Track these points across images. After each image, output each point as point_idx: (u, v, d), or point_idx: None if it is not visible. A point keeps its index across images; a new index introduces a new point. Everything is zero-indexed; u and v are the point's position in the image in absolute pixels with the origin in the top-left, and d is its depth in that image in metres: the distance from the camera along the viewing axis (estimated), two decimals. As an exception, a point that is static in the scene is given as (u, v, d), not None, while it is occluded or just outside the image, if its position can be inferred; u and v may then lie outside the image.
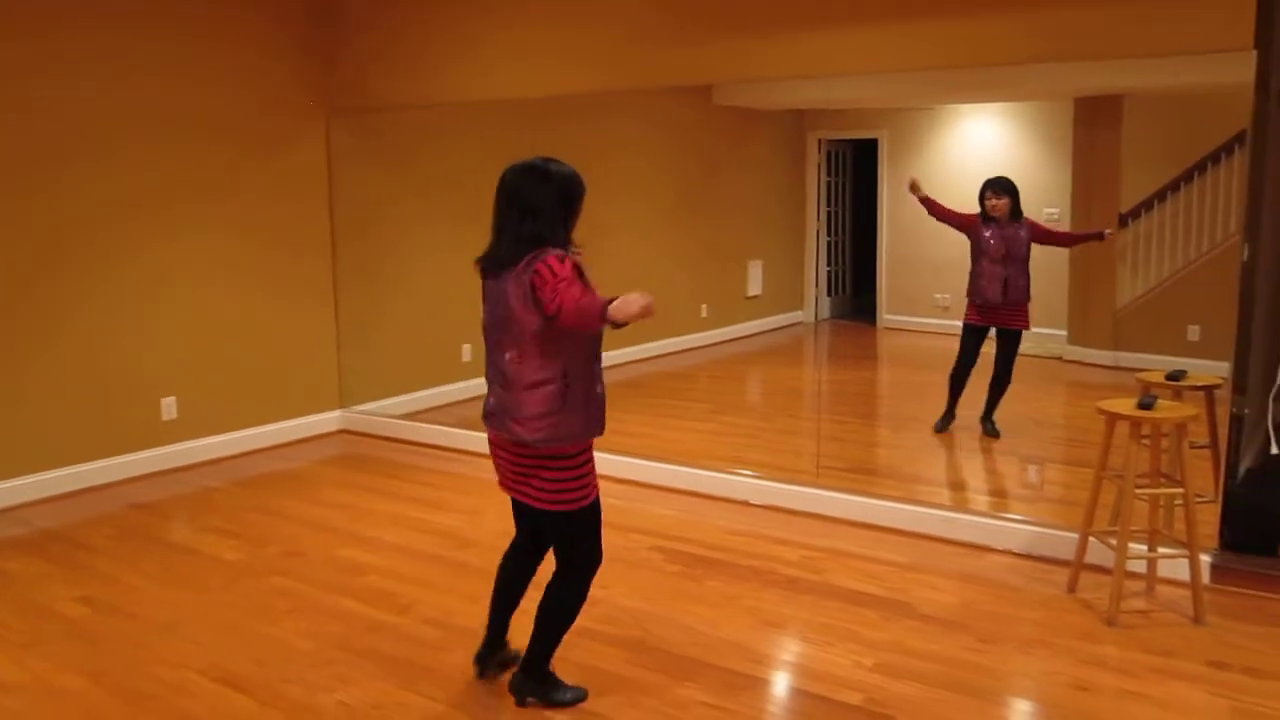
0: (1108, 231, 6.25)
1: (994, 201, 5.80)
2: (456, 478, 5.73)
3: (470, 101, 5.97)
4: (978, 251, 5.87)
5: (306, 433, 6.63)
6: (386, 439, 6.61)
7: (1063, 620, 3.76)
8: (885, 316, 7.68)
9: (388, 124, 6.61)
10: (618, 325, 2.65)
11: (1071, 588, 4.02)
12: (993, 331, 5.94)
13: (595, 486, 3.03)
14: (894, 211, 7.46)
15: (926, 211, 5.98)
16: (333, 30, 6.50)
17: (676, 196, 7.98)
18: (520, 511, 3.18)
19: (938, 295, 7.27)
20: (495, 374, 2.97)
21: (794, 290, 8.02)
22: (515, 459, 2.96)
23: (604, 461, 5.62)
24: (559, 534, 3.04)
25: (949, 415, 6.08)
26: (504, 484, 3.08)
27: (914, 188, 6.01)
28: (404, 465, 6.02)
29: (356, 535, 4.79)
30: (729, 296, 7.96)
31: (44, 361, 5.38)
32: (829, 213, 7.89)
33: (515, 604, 3.29)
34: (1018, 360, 5.91)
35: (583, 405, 2.91)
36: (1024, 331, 5.90)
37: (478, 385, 6.86)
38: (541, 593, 3.11)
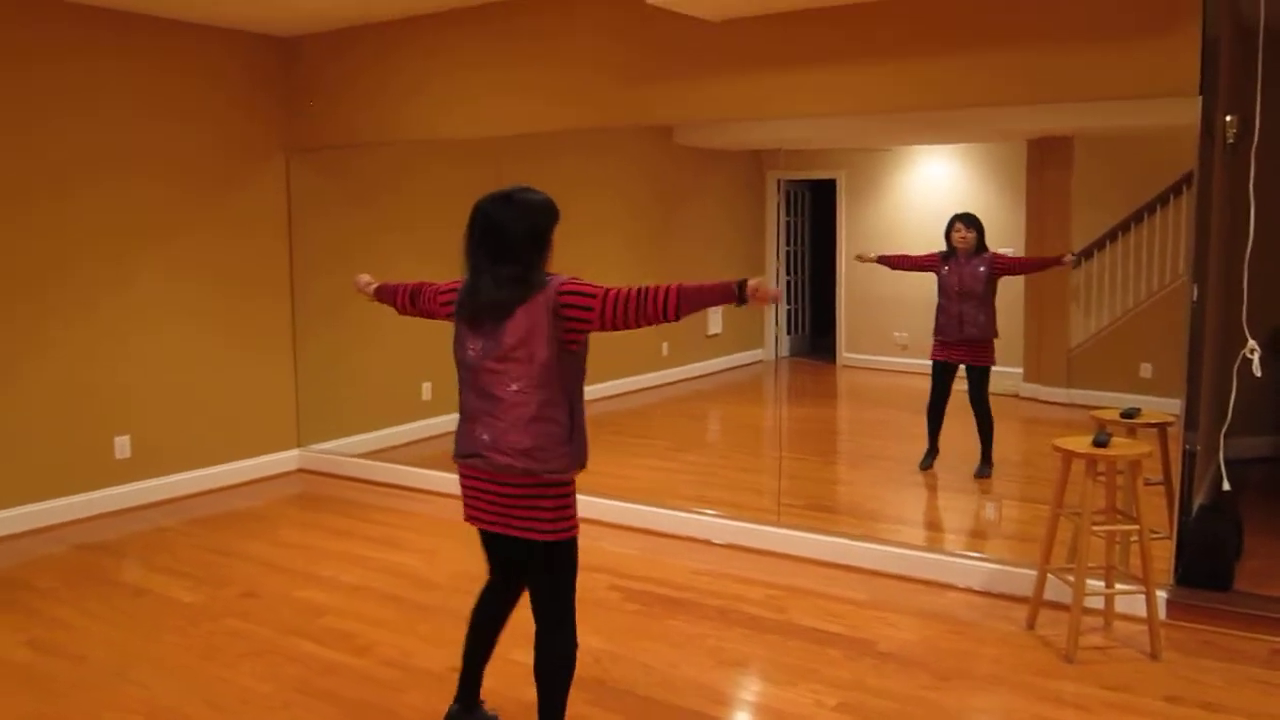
0: (1068, 257, 6.34)
1: (963, 233, 5.88)
2: (415, 517, 5.68)
3: (430, 139, 5.99)
4: (939, 288, 5.95)
5: (264, 472, 6.54)
6: (345, 478, 6.55)
7: (1021, 657, 3.78)
8: (844, 355, 7.73)
9: (349, 161, 6.61)
10: (743, 303, 2.74)
11: (1030, 624, 4.05)
12: (964, 369, 5.99)
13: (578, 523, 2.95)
14: (852, 251, 7.53)
15: (890, 269, 6.03)
16: (293, 68, 6.50)
17: (639, 234, 8.02)
18: (498, 549, 3.04)
19: (896, 333, 7.33)
20: (489, 408, 2.83)
21: (754, 328, 8.05)
22: (510, 491, 2.84)
23: (565, 500, 5.62)
24: (549, 570, 2.88)
25: (931, 451, 6.12)
26: (484, 521, 2.91)
27: (862, 258, 6.11)
28: (362, 504, 5.96)
29: (314, 576, 4.72)
30: (690, 335, 7.99)
31: (-6, 400, 5.29)
32: (788, 252, 7.95)
33: (491, 652, 3.15)
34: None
35: (581, 433, 2.92)
36: (990, 368, 5.93)
37: (438, 424, 6.86)
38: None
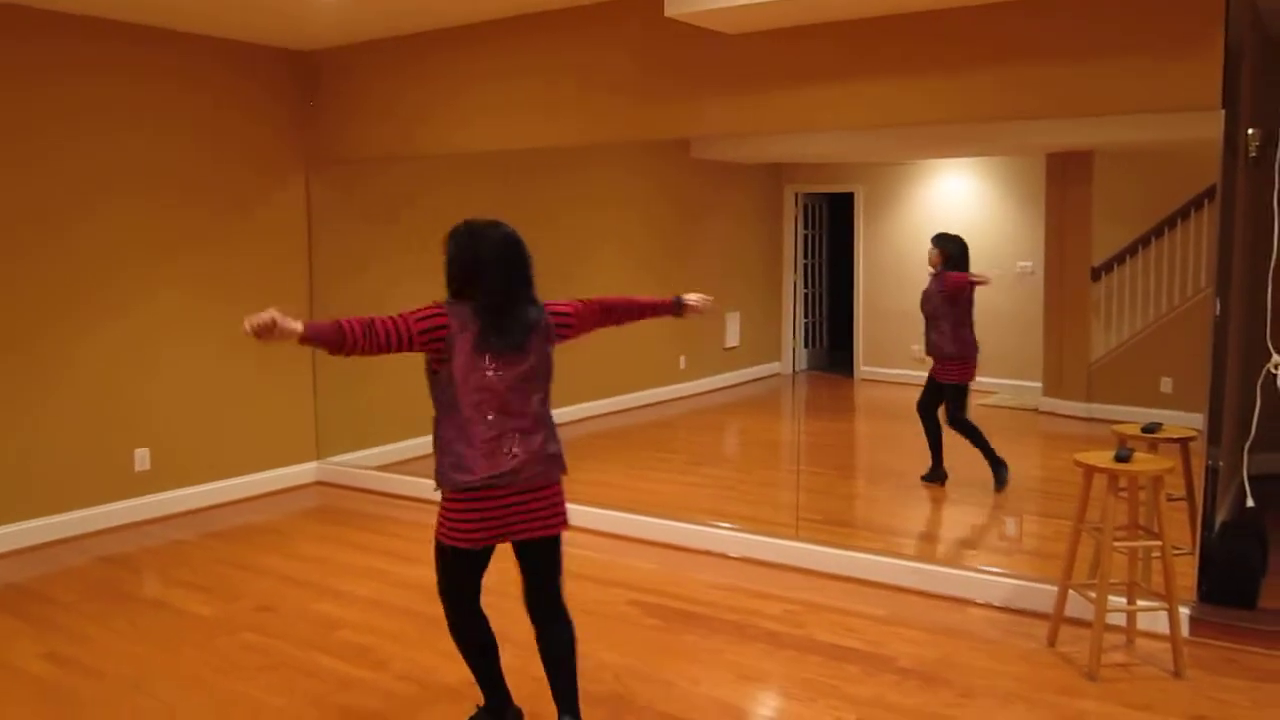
0: (976, 277, 6.35)
1: (930, 251, 6.02)
2: (428, 529, 5.66)
3: (449, 154, 6.01)
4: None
5: (282, 484, 6.56)
6: (363, 491, 6.55)
7: (1043, 674, 3.74)
8: (862, 368, 7.70)
9: (368, 176, 6.63)
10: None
11: (1051, 641, 4.01)
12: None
13: None
14: (870, 264, 7.51)
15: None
16: (312, 83, 6.54)
17: (656, 248, 8.03)
18: (484, 560, 3.11)
19: (914, 347, 7.30)
20: (517, 427, 2.98)
21: (771, 342, 8.03)
22: (538, 495, 3.03)
23: (582, 514, 5.61)
24: (556, 556, 3.13)
25: (934, 468, 6.11)
26: (507, 533, 3.00)
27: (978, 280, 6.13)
28: (380, 517, 5.96)
29: (331, 589, 4.72)
30: (707, 348, 7.98)
31: (12, 412, 5.32)
32: (806, 265, 7.94)
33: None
34: (999, 411, 5.95)
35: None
36: (960, 384, 5.97)
37: (455, 437, 6.83)
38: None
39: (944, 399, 5.99)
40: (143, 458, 5.86)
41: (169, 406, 5.96)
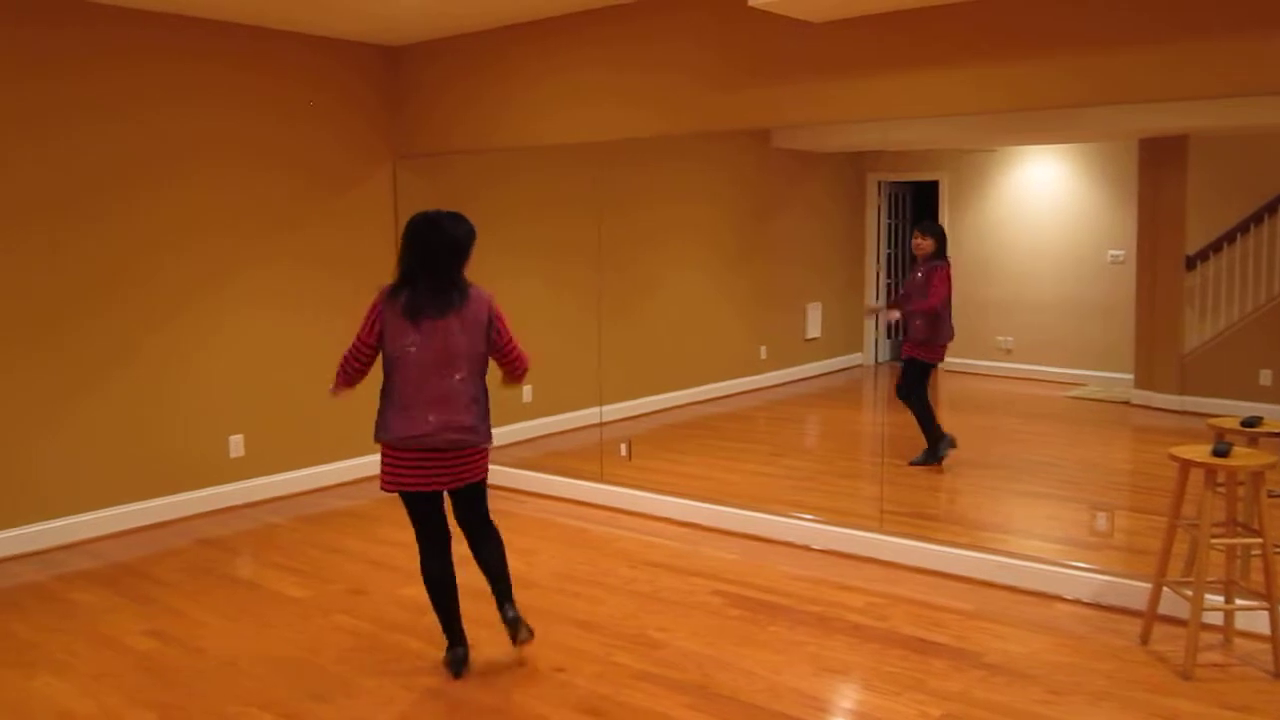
0: (884, 310, 6.99)
1: (917, 241, 6.21)
2: (513, 517, 5.75)
3: (526, 147, 6.06)
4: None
5: (368, 472, 6.69)
6: (446, 478, 6.66)
7: (1135, 673, 3.66)
8: (946, 359, 7.60)
9: (450, 164, 6.73)
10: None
11: (1144, 639, 3.92)
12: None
13: None
14: (954, 253, 7.40)
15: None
16: (398, 76, 6.65)
17: (735, 238, 8.01)
18: (432, 507, 3.63)
19: (1000, 338, 7.19)
20: (434, 397, 3.47)
21: (853, 333, 7.97)
22: (458, 459, 3.54)
23: (663, 504, 5.65)
24: (483, 494, 3.72)
25: (944, 441, 6.28)
26: (431, 485, 3.53)
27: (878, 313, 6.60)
28: (464, 504, 6.05)
29: (416, 574, 4.80)
30: (788, 339, 7.94)
31: (121, 402, 5.52)
32: (889, 255, 7.86)
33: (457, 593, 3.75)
34: (1088, 403, 6.06)
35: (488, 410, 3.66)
36: (921, 362, 6.27)
37: (536, 426, 6.95)
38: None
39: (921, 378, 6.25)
40: (237, 444, 6.04)
41: (260, 394, 6.13)
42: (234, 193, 5.94)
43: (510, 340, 3.64)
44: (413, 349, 3.47)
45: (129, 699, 3.55)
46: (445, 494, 3.67)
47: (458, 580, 3.73)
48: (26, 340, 5.19)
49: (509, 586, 3.71)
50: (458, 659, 3.70)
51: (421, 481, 3.53)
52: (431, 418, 3.46)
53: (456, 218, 3.59)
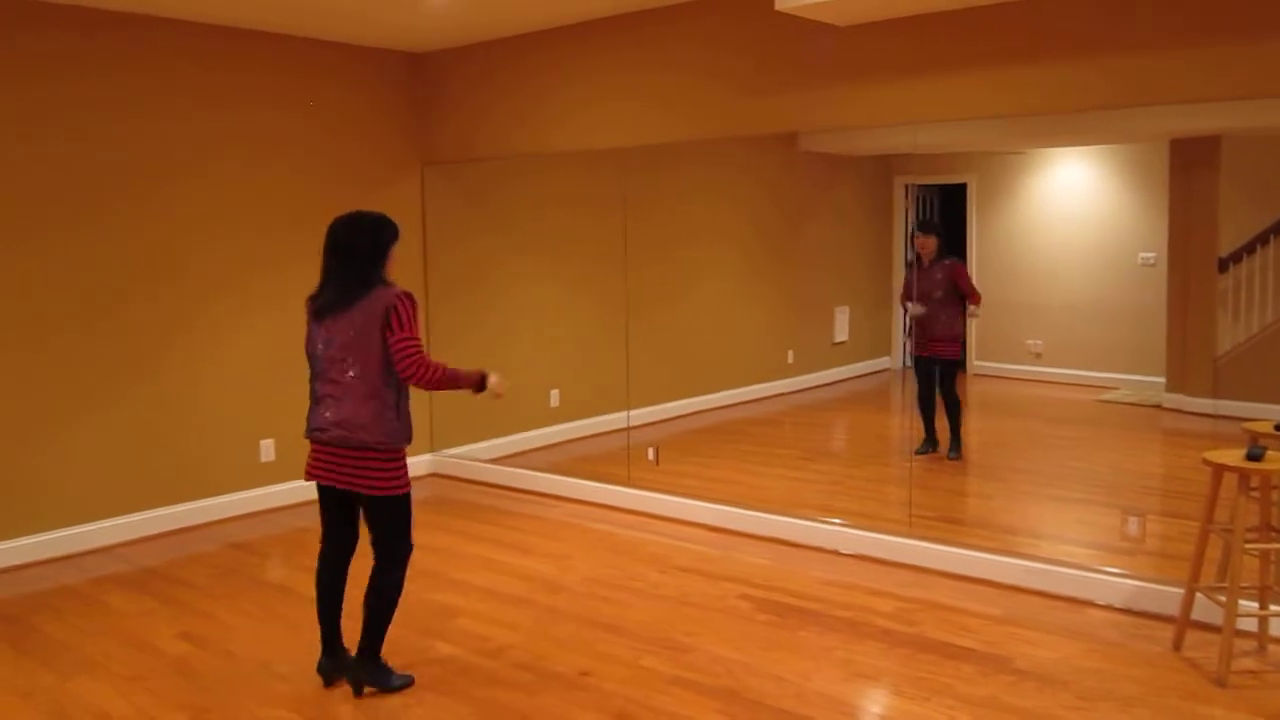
0: (913, 304, 6.71)
1: (921, 241, 6.28)
2: (545, 522, 5.77)
3: (551, 152, 6.09)
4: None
5: (397, 475, 6.73)
6: (476, 483, 6.70)
7: (1167, 679, 3.63)
8: (975, 362, 7.56)
9: (479, 168, 6.76)
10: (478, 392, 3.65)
11: (1176, 645, 3.89)
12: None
13: (409, 482, 3.60)
14: (983, 256, 7.37)
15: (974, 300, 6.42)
16: (424, 83, 6.70)
17: (761, 242, 8.00)
18: (338, 506, 3.66)
19: (1030, 341, 7.14)
20: (332, 391, 3.50)
21: (881, 336, 7.94)
22: (350, 457, 3.48)
23: (691, 508, 5.65)
24: (381, 519, 3.55)
25: (929, 441, 6.36)
26: (329, 480, 3.54)
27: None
28: (493, 509, 6.08)
29: (448, 578, 4.84)
30: (815, 343, 7.92)
31: (147, 397, 5.59)
32: (916, 258, 7.83)
33: (341, 607, 3.73)
34: (1119, 407, 6.10)
35: (405, 414, 3.57)
36: (954, 361, 6.41)
37: (567, 430, 6.97)
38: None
39: (941, 374, 6.39)
40: (268, 449, 6.10)
41: (289, 398, 6.18)
42: (265, 193, 6.01)
43: (402, 340, 3.43)
44: (321, 346, 3.55)
45: (162, 701, 3.60)
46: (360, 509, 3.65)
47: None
48: (56, 345, 5.27)
49: (373, 640, 3.61)
50: (322, 668, 3.72)
51: (319, 475, 3.59)
52: (328, 414, 3.51)
53: (357, 221, 3.55)
